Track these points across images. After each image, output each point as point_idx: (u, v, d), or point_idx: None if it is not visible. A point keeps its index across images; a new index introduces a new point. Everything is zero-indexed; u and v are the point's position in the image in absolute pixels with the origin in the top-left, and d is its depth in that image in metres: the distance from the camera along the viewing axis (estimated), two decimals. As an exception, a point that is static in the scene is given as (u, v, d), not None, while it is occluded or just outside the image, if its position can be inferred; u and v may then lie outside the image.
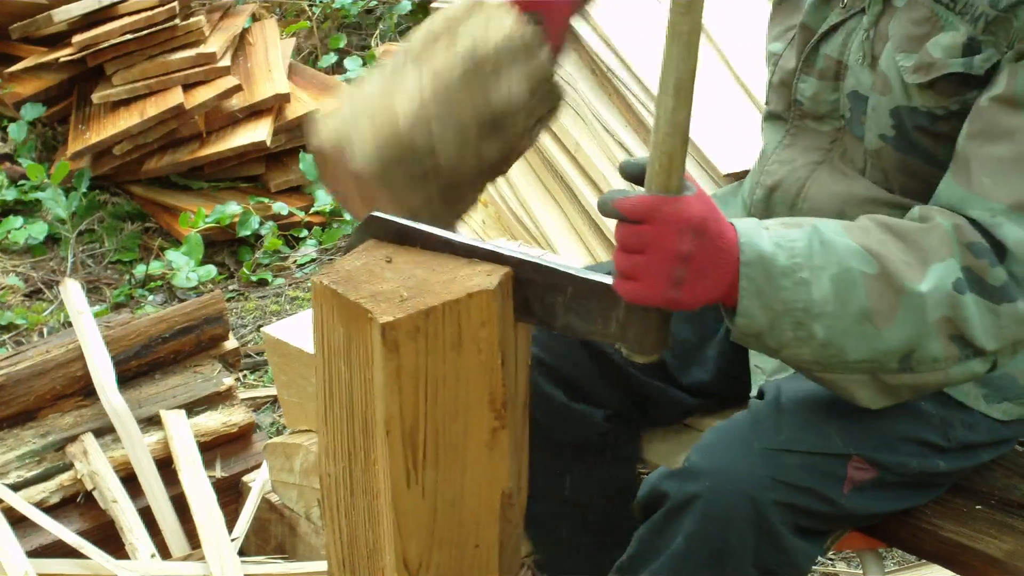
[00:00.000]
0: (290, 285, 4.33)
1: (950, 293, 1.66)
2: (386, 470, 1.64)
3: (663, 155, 1.57)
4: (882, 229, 1.70)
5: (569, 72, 4.37)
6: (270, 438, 3.19)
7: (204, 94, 4.57)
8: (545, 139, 4.32)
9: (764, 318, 1.65)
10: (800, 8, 1.99)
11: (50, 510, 2.87)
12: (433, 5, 5.25)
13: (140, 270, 4.30)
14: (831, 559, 3.12)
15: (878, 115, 1.88)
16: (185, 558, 2.83)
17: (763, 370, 2.02)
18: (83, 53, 4.57)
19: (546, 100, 1.84)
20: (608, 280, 1.63)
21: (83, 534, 2.83)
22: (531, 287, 1.66)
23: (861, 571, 2.13)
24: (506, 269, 1.64)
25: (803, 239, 1.66)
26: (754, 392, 2.01)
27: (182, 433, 3.01)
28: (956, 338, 1.68)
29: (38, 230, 4.48)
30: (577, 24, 4.65)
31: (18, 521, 2.81)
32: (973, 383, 1.93)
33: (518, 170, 4.43)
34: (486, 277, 1.62)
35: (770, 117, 2.06)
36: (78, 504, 2.92)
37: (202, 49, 4.64)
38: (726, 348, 2.11)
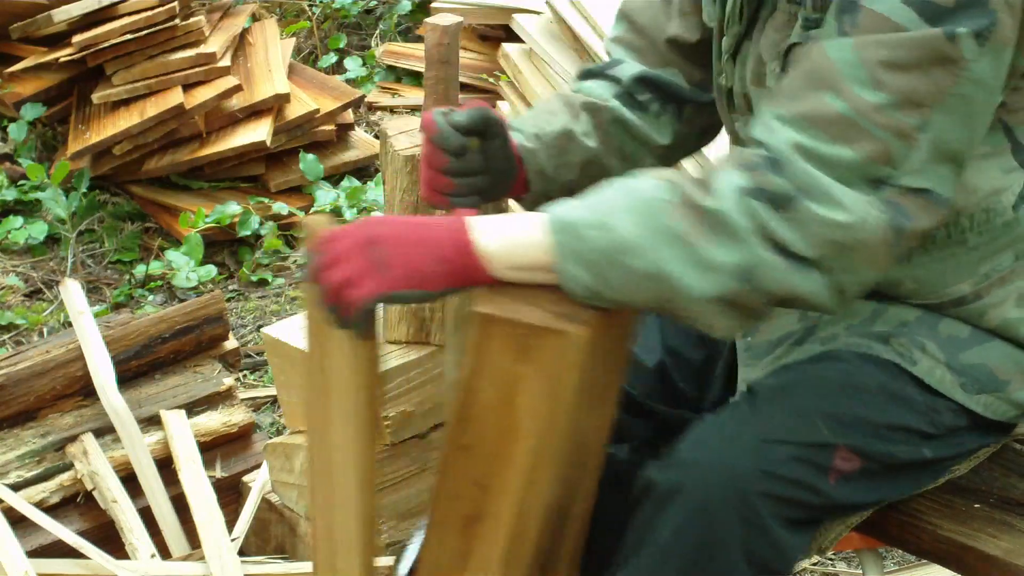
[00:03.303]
0: (290, 285, 4.33)
1: (743, 199, 1.65)
2: None
3: None
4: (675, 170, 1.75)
5: (569, 72, 4.38)
6: (270, 438, 3.19)
7: (204, 94, 4.56)
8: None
9: (588, 274, 1.67)
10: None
11: (50, 510, 2.87)
12: (433, 5, 5.25)
13: (140, 270, 4.30)
14: (831, 559, 3.12)
15: None
16: (185, 558, 2.83)
17: (747, 383, 2.02)
18: (83, 53, 4.57)
19: None
20: None
21: (83, 534, 2.83)
22: None
23: (861, 571, 2.13)
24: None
25: (601, 191, 1.70)
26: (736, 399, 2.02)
27: (182, 433, 3.01)
28: (779, 251, 1.65)
29: (38, 230, 4.47)
30: (577, 23, 4.67)
31: (18, 521, 2.81)
32: (945, 368, 1.92)
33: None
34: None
35: None
36: (78, 504, 2.93)
37: (202, 49, 4.64)
38: (732, 362, 2.12)
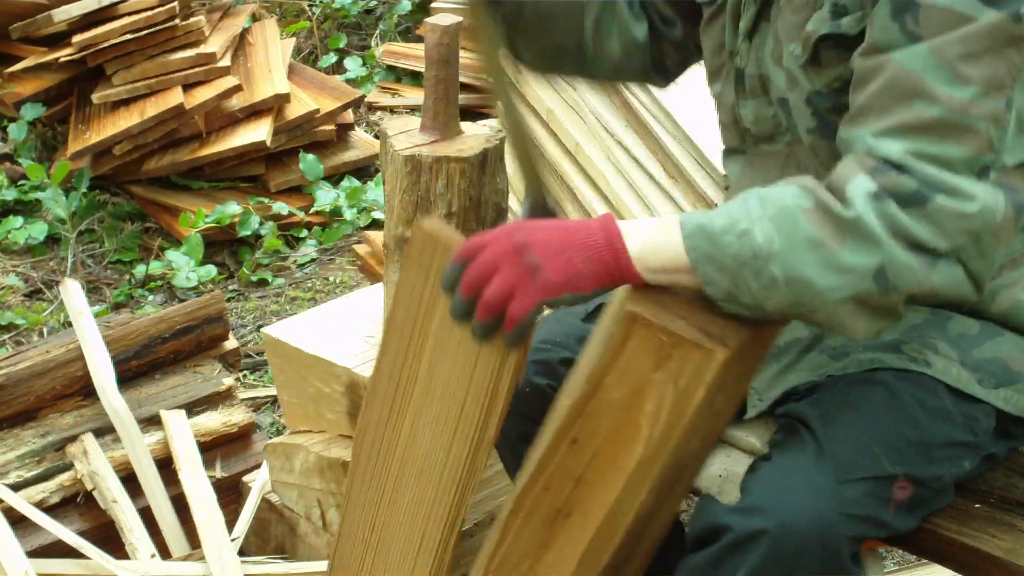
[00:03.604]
0: (290, 285, 4.33)
1: (874, 202, 1.68)
2: None
3: None
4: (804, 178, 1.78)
5: (569, 72, 4.37)
6: (270, 438, 3.19)
7: (204, 94, 4.57)
8: (546, 139, 4.32)
9: (725, 279, 1.69)
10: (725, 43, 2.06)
11: (50, 510, 2.87)
12: (433, 5, 5.25)
13: (140, 270, 4.30)
14: (831, 559, 3.11)
15: (799, 111, 1.94)
16: (185, 558, 2.83)
17: (756, 390, 2.02)
18: (83, 53, 4.57)
19: None
20: None
21: (83, 534, 2.83)
22: None
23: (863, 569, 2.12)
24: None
25: (738, 200, 1.73)
26: (751, 414, 2.02)
27: (182, 433, 3.01)
28: (913, 248, 1.69)
29: (38, 230, 4.48)
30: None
31: (18, 521, 2.81)
32: (960, 366, 1.93)
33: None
34: None
35: (728, 153, 2.13)
36: (78, 504, 2.92)
37: (202, 49, 4.64)
38: None
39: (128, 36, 4.54)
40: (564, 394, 1.80)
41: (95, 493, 2.89)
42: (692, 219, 1.72)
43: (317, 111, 4.74)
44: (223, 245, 4.49)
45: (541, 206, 2.04)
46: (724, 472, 2.01)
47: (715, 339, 1.68)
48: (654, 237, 1.72)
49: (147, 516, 2.89)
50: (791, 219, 1.68)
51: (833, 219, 1.68)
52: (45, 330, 4.01)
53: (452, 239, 1.76)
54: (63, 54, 4.62)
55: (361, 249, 3.98)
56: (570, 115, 4.22)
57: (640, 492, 1.77)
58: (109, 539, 2.84)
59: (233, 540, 2.85)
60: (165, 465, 2.97)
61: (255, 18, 5.34)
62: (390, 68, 5.63)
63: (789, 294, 1.69)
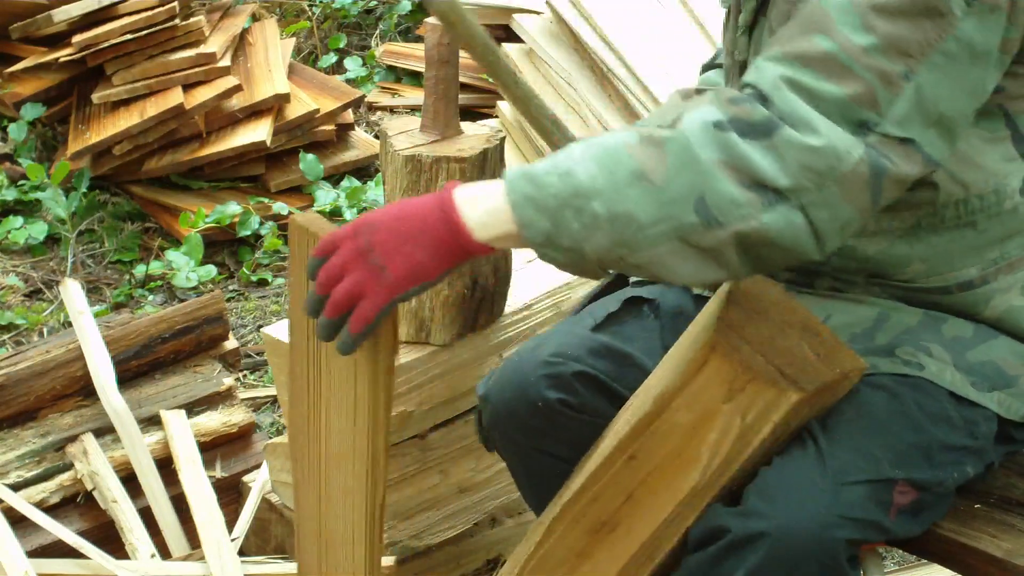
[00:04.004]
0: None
1: (712, 131, 1.65)
2: None
3: None
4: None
5: (569, 72, 4.38)
6: (270, 438, 3.19)
7: (204, 94, 4.56)
8: (545, 139, 4.32)
9: (544, 219, 1.68)
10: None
11: (50, 510, 2.87)
12: (433, 5, 5.25)
13: (140, 270, 4.30)
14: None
15: None
16: (185, 558, 2.83)
17: None
18: (83, 53, 4.57)
19: None
20: None
21: (83, 534, 2.83)
22: None
23: (861, 571, 2.12)
24: None
25: (567, 148, 1.72)
26: None
27: (182, 433, 3.01)
28: (751, 185, 1.64)
29: (38, 230, 4.47)
30: (577, 24, 4.68)
31: (18, 521, 2.81)
32: (954, 369, 1.93)
33: (518, 170, 4.43)
34: None
35: None
36: (78, 504, 2.92)
37: (202, 49, 4.64)
38: None
39: (128, 36, 4.54)
40: (628, 409, 1.79)
41: (95, 493, 2.89)
42: (517, 168, 1.71)
43: (317, 111, 4.74)
44: (223, 245, 4.49)
45: None
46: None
47: (790, 381, 1.68)
48: (492, 201, 1.71)
49: (147, 516, 2.89)
50: (614, 156, 1.67)
51: (656, 144, 1.66)
52: (45, 330, 4.01)
53: (320, 230, 1.77)
54: (63, 54, 4.62)
55: (361, 249, 3.98)
56: (571, 116, 4.22)
57: (689, 518, 1.78)
58: (109, 539, 2.84)
59: (233, 540, 2.85)
60: (165, 465, 2.97)
61: (255, 18, 5.34)
62: (390, 68, 5.63)
63: (611, 232, 1.66)
